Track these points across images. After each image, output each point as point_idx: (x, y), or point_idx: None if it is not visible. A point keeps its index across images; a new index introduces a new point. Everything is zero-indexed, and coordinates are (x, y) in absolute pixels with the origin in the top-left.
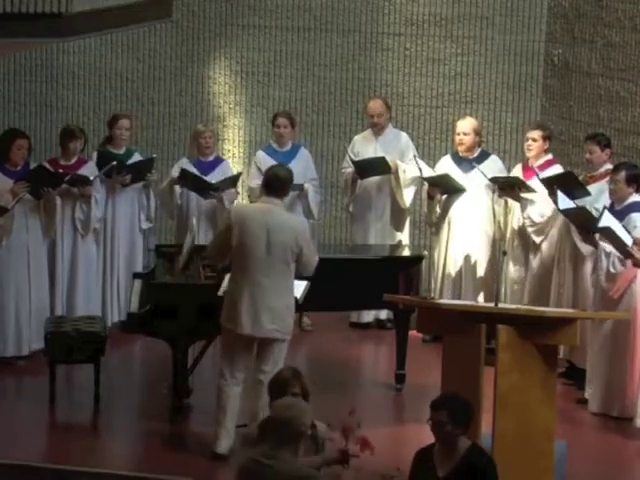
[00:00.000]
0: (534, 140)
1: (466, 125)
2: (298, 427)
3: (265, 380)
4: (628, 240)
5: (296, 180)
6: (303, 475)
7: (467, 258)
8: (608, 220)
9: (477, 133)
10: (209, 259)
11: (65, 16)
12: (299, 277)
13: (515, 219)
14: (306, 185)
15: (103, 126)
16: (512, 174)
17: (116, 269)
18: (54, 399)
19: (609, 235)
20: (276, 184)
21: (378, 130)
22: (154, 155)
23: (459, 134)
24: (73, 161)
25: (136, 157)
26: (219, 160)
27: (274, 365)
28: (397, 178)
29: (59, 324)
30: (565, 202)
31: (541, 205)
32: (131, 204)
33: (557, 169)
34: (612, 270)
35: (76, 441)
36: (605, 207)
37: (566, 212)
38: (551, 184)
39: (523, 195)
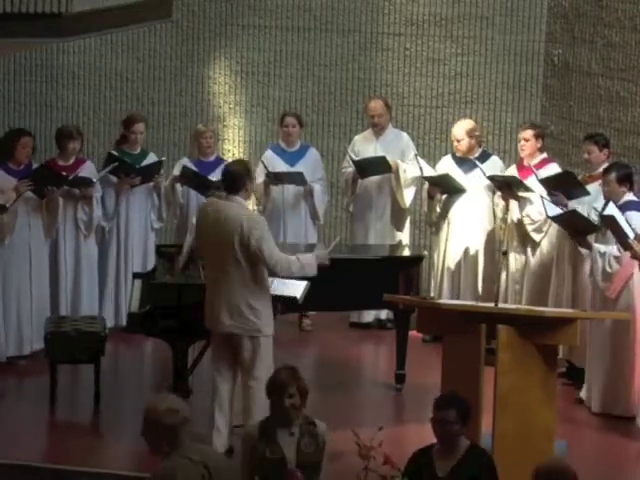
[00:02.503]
0: (526, 140)
1: (459, 131)
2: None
3: (247, 380)
4: (629, 232)
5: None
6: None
7: (467, 258)
8: (612, 210)
9: (471, 136)
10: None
11: (65, 16)
12: (300, 277)
13: (514, 216)
14: (312, 184)
15: (103, 126)
16: (507, 174)
17: (130, 269)
18: (54, 399)
19: (612, 224)
20: (226, 180)
21: (378, 130)
22: (163, 158)
23: (453, 140)
24: (71, 161)
25: (151, 157)
26: (220, 160)
27: (251, 364)
28: (397, 178)
29: (59, 324)
30: (553, 209)
31: (539, 203)
32: (144, 204)
33: (554, 167)
34: (608, 269)
35: (76, 441)
36: (610, 200)
37: (556, 218)
38: (550, 184)
39: (521, 194)
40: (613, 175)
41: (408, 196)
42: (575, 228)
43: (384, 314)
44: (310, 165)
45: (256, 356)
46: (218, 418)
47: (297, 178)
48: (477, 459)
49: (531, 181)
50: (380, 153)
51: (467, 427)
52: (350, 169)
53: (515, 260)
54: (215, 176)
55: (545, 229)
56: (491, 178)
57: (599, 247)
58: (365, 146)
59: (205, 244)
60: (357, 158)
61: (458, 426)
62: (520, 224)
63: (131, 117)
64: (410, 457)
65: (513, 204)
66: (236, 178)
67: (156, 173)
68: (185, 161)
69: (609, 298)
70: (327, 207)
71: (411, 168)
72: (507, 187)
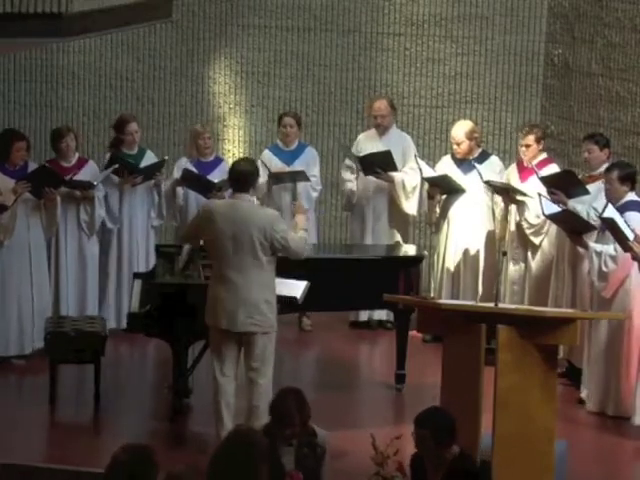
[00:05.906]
0: (528, 146)
1: (458, 133)
2: None
3: (256, 378)
4: (629, 234)
5: None
6: None
7: (467, 258)
8: (612, 212)
9: (471, 138)
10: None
11: (65, 16)
12: (298, 277)
13: (513, 219)
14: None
15: (103, 126)
16: (507, 173)
17: (134, 269)
18: (54, 399)
19: (612, 226)
20: (240, 179)
21: (382, 130)
22: (165, 157)
23: (453, 143)
24: (73, 161)
25: (149, 155)
26: (218, 160)
27: (262, 361)
28: (396, 192)
29: (59, 324)
30: (550, 207)
31: (536, 207)
32: (145, 204)
33: (553, 168)
34: (604, 269)
35: (76, 441)
36: (609, 202)
37: (552, 217)
38: (550, 182)
39: (519, 198)
40: (615, 174)
41: (413, 206)
42: (571, 227)
43: (384, 314)
44: (306, 164)
45: (266, 352)
46: (225, 417)
47: (299, 176)
48: (465, 465)
49: (532, 180)
50: None
51: (454, 440)
52: (350, 185)
53: (514, 261)
54: (215, 176)
55: (544, 231)
56: (488, 182)
57: (595, 246)
58: (368, 145)
59: (220, 242)
60: (361, 154)
61: (431, 443)
62: (519, 227)
63: (122, 119)
64: (409, 463)
65: (513, 206)
66: (247, 177)
67: (157, 171)
68: (184, 162)
69: (606, 299)
70: (327, 207)
71: (408, 177)
72: (505, 192)
